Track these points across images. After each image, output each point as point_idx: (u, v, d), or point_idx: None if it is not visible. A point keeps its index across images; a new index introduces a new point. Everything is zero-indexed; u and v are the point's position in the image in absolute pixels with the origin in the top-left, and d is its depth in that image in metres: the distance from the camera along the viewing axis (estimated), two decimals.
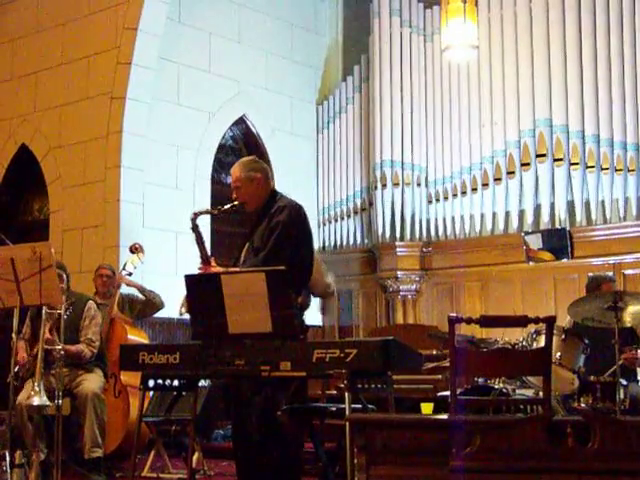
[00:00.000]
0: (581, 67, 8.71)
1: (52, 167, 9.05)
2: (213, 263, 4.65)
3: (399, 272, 9.57)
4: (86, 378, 5.80)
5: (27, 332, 5.89)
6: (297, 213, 4.59)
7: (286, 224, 4.47)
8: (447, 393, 5.12)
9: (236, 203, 4.67)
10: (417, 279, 9.61)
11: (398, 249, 9.58)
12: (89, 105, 8.74)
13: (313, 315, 5.56)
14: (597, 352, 5.62)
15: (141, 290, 7.17)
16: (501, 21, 9.23)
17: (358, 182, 10.12)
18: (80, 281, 7.34)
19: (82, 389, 5.70)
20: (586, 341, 5.59)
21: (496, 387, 5.72)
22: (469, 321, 3.96)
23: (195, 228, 4.68)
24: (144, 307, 7.15)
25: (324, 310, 5.74)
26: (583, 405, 5.53)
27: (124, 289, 7.19)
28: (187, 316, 4.49)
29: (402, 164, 9.63)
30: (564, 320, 6.09)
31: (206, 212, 4.85)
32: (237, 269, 4.52)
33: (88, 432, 5.61)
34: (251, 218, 4.80)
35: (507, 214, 9.14)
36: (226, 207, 4.72)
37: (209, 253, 4.71)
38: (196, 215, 4.69)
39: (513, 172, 9.03)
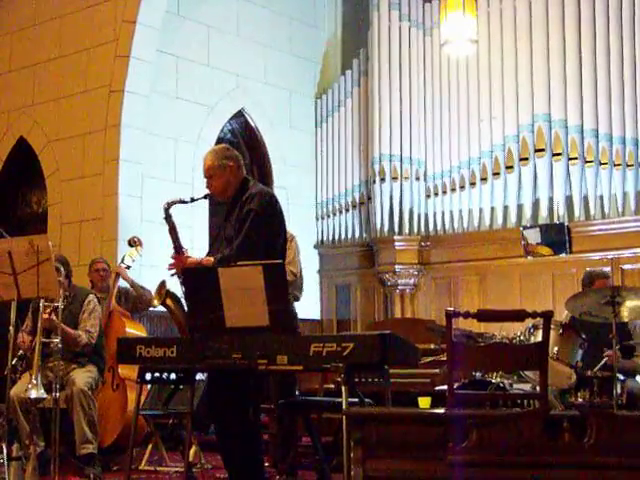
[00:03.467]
0: (580, 62, 8.70)
1: (50, 160, 9.04)
2: (186, 253, 4.69)
3: (397, 266, 9.57)
4: (75, 375, 5.77)
5: (28, 324, 5.88)
6: (268, 200, 4.59)
7: (257, 212, 4.47)
8: (444, 387, 5.12)
9: (208, 192, 4.73)
10: (415, 273, 9.61)
11: (396, 243, 9.57)
12: (87, 98, 8.73)
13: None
14: (595, 347, 5.62)
15: (131, 285, 7.16)
16: (500, 15, 9.21)
17: (357, 176, 10.11)
18: (78, 274, 7.30)
19: (70, 386, 5.70)
20: (584, 336, 5.58)
21: (493, 381, 5.72)
22: (467, 315, 3.97)
23: (168, 218, 4.72)
24: (136, 302, 7.15)
25: None
26: (580, 400, 5.53)
27: (121, 282, 7.18)
28: (161, 308, 4.56)
29: (401, 158, 9.61)
30: (562, 315, 6.09)
31: (179, 202, 4.79)
32: (211, 259, 4.54)
33: (77, 429, 5.64)
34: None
35: (505, 208, 9.14)
36: (198, 196, 4.80)
37: (182, 243, 4.73)
38: (169, 205, 4.73)
39: (512, 167, 9.02)
